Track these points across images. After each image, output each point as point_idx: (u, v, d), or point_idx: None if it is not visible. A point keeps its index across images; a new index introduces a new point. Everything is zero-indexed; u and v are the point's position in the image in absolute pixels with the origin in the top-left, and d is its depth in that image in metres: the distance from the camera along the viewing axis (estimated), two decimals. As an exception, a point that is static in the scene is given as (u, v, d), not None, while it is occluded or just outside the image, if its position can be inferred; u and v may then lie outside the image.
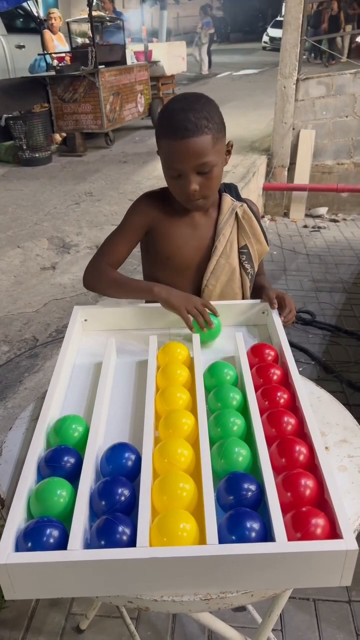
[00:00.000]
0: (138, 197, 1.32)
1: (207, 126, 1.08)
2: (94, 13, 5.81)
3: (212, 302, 1.26)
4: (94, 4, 5.91)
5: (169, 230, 1.28)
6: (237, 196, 1.34)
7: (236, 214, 1.29)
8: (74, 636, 1.50)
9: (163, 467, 0.82)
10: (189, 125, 1.06)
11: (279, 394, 0.95)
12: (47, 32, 6.34)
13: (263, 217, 4.94)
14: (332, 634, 1.48)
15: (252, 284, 1.36)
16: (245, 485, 0.77)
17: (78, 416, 0.94)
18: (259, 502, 0.77)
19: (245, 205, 1.31)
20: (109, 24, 7.10)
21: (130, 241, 1.31)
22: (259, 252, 1.34)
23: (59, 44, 6.52)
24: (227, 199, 1.30)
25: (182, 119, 1.07)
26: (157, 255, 1.31)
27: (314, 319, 3.12)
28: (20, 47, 7.04)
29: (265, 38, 18.86)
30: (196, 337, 1.13)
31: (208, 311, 1.16)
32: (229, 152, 1.19)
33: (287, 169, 4.95)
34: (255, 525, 0.71)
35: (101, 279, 1.25)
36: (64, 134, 6.06)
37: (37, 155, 5.50)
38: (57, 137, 6.18)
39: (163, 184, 1.25)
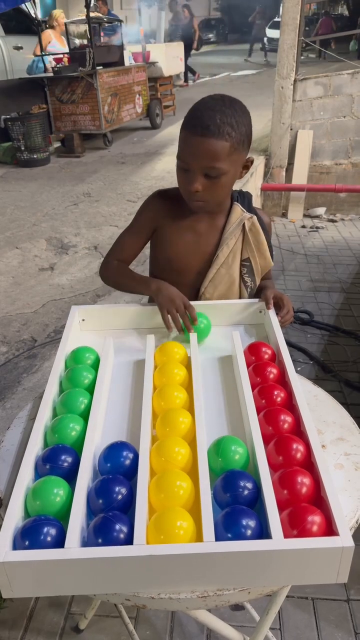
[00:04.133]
0: (151, 194, 1.32)
1: (229, 133, 1.06)
2: (91, 14, 5.81)
3: (210, 302, 1.27)
4: (91, 5, 5.92)
5: (174, 233, 1.28)
6: (248, 206, 1.31)
7: (243, 225, 1.27)
8: (73, 636, 1.50)
9: (160, 466, 0.83)
10: (211, 126, 1.05)
11: (275, 393, 0.96)
12: (47, 31, 6.34)
13: (273, 220, 4.93)
14: (331, 633, 1.48)
15: (251, 297, 1.33)
16: (242, 483, 0.77)
17: (75, 415, 0.94)
18: (256, 500, 0.78)
19: (254, 218, 1.28)
20: (106, 24, 7.11)
21: (139, 238, 1.34)
22: (262, 267, 1.31)
23: (57, 43, 6.53)
24: (238, 209, 1.28)
25: (208, 117, 1.06)
26: (160, 255, 1.32)
27: (312, 318, 3.13)
28: (18, 48, 7.05)
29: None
30: (193, 337, 1.14)
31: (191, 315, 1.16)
32: (246, 168, 1.17)
33: (285, 169, 4.96)
34: (252, 523, 0.72)
35: (109, 272, 1.34)
36: (62, 135, 6.07)
37: (35, 156, 5.50)
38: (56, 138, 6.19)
39: (161, 185, 1.25)
